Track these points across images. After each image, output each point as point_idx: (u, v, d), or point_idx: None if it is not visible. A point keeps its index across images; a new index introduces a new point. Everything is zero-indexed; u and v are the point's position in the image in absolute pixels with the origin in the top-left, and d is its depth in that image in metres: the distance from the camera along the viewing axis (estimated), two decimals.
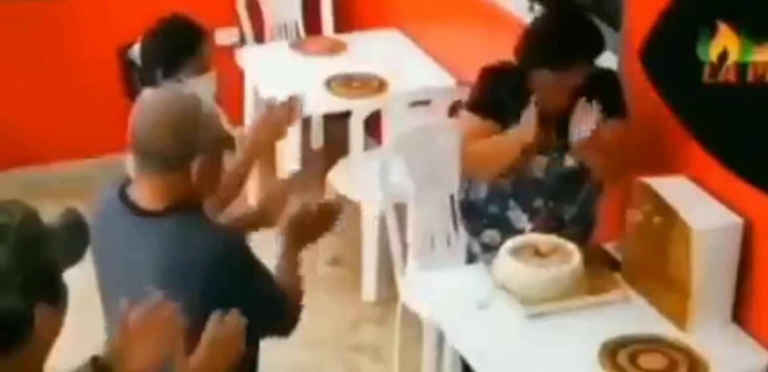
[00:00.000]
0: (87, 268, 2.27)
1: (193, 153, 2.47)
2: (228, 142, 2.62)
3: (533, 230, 3.50)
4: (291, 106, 3.37)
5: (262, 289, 2.59)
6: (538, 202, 3.53)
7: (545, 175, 3.49)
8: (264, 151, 3.48)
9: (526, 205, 3.54)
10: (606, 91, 3.40)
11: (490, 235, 3.61)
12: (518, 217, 3.56)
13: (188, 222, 2.51)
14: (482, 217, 3.62)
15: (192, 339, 2.31)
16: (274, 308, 2.63)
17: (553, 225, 3.50)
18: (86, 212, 2.31)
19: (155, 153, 2.47)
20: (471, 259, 3.71)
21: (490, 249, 3.58)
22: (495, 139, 3.41)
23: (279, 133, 3.37)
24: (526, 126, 3.32)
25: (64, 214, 1.81)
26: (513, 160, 3.40)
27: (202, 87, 3.39)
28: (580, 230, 3.57)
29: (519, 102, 3.37)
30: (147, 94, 2.54)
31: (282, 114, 3.35)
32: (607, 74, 3.49)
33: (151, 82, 3.36)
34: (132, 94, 3.43)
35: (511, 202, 3.55)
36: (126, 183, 2.59)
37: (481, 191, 3.59)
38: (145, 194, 2.53)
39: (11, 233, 1.70)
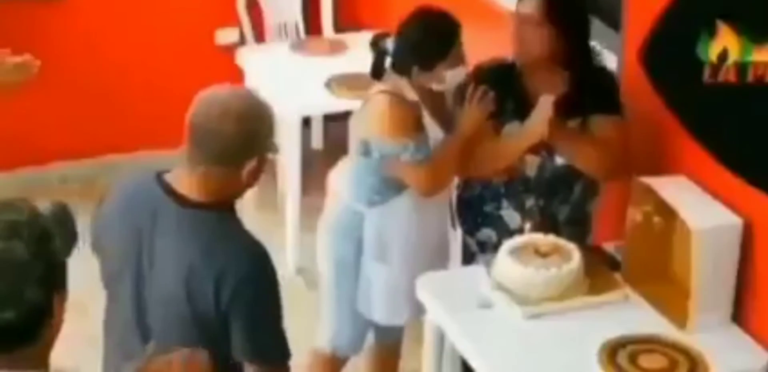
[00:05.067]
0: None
1: (252, 150, 2.48)
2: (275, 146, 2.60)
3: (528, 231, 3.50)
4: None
5: (270, 312, 2.55)
6: (530, 202, 3.53)
7: (537, 174, 3.50)
8: None
9: (518, 204, 3.54)
10: (600, 89, 3.41)
11: (486, 233, 3.62)
12: (511, 216, 3.57)
13: (227, 223, 2.53)
14: (477, 216, 3.63)
15: (203, 339, 2.42)
16: (274, 330, 2.56)
17: (547, 226, 3.50)
18: (85, 208, 2.35)
19: (216, 145, 2.46)
20: (468, 257, 3.72)
21: (487, 247, 3.59)
22: (501, 140, 3.45)
23: None
24: (535, 125, 3.34)
25: (52, 209, 1.87)
26: (518, 158, 3.45)
27: (454, 79, 3.46)
28: (576, 232, 3.54)
29: (513, 97, 3.42)
30: (213, 89, 2.54)
31: None
32: (601, 72, 3.50)
33: (406, 73, 3.46)
34: (378, 77, 3.58)
35: (504, 202, 3.56)
36: (160, 173, 2.58)
37: (476, 189, 3.61)
38: (190, 184, 2.51)
39: (23, 228, 1.78)
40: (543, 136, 3.33)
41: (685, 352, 3.06)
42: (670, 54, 3.32)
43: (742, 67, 3.09)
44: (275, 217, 5.27)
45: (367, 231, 3.58)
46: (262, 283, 2.50)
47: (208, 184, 2.49)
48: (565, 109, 3.39)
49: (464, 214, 3.69)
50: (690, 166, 3.33)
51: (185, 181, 2.52)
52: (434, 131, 3.50)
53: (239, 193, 2.57)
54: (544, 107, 3.31)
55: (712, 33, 3.11)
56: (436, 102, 3.54)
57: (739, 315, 3.21)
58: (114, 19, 5.47)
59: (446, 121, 3.55)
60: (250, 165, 2.49)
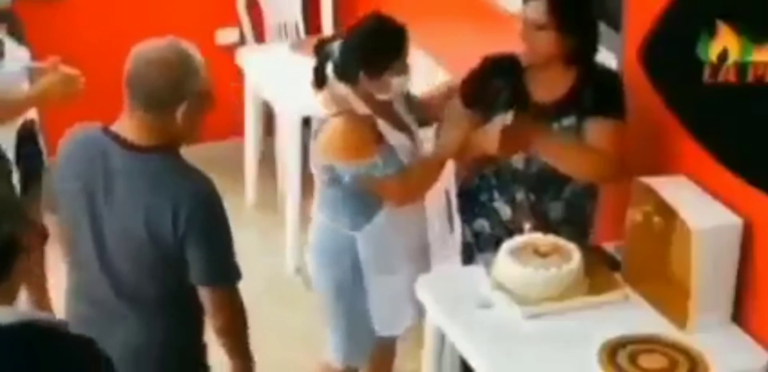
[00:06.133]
0: None
1: (181, 96, 2.71)
2: (212, 98, 2.79)
3: (523, 226, 3.52)
4: None
5: (222, 238, 2.79)
6: (520, 195, 3.54)
7: (525, 167, 3.50)
8: None
9: (509, 197, 3.56)
10: (602, 89, 3.41)
11: (480, 223, 3.66)
12: (503, 208, 3.58)
13: (173, 161, 2.78)
14: (474, 206, 3.66)
15: (162, 267, 2.74)
16: (224, 260, 2.81)
17: (540, 223, 3.50)
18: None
19: (146, 91, 2.71)
20: (465, 248, 3.75)
21: (481, 238, 3.64)
22: (420, 163, 3.51)
23: None
24: (445, 141, 3.48)
25: None
26: (439, 175, 3.56)
27: (398, 88, 3.46)
28: (572, 232, 3.51)
29: (509, 89, 3.44)
30: (146, 42, 2.75)
31: None
32: (607, 73, 3.50)
33: (351, 80, 3.43)
34: (321, 84, 3.53)
35: (496, 193, 3.59)
36: (106, 126, 2.83)
37: (474, 181, 3.65)
38: (132, 130, 2.76)
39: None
40: (489, 150, 3.39)
41: (685, 352, 3.06)
42: (670, 54, 3.32)
43: (742, 67, 3.09)
44: (275, 217, 5.28)
45: (362, 251, 3.58)
46: (214, 210, 2.75)
47: (146, 128, 2.74)
48: (562, 107, 3.40)
49: (465, 204, 3.73)
50: (690, 166, 3.33)
51: (127, 127, 2.78)
52: (394, 137, 3.48)
53: (180, 137, 2.79)
54: (494, 127, 3.35)
55: (712, 33, 3.11)
56: (385, 108, 3.51)
57: (739, 315, 3.21)
58: (114, 19, 5.47)
59: (400, 124, 3.55)
60: (181, 109, 2.71)
